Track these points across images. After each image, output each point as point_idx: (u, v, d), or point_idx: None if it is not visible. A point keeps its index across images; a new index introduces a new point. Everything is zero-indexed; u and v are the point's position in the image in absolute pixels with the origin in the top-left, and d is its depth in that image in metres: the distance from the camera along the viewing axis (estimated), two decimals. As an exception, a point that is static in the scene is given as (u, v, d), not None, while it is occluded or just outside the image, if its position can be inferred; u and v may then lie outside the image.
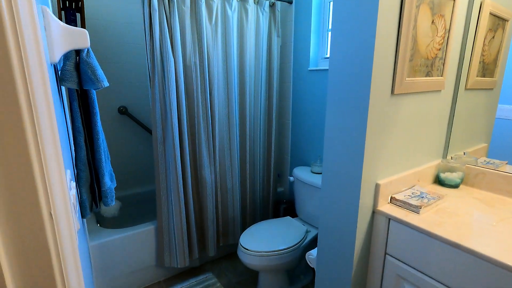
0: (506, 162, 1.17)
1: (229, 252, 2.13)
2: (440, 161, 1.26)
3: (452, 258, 0.85)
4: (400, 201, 1.03)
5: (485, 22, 1.17)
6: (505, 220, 0.95)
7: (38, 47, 0.32)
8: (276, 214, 2.30)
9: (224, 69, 1.80)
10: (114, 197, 1.16)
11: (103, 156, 1.08)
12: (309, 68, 1.99)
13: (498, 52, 1.21)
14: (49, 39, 0.63)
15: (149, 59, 1.56)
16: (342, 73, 0.98)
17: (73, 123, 0.98)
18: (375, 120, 0.95)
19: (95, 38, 1.95)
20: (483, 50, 1.20)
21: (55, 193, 0.31)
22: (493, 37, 1.19)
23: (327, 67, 1.87)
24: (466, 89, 1.24)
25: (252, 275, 1.91)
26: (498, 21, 1.18)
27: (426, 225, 0.91)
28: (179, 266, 1.78)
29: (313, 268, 1.89)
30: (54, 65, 0.78)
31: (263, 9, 1.88)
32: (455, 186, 1.21)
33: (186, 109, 1.69)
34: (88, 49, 0.81)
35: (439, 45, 1.07)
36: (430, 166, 1.22)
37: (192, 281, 1.85)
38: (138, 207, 2.27)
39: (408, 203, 1.01)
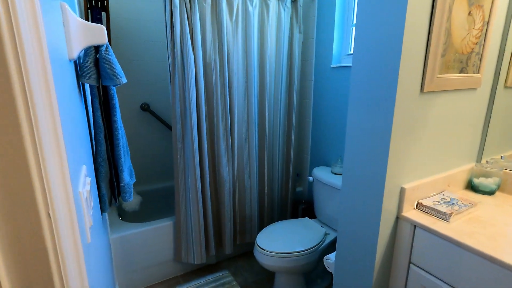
0: (552, 168, 1.05)
1: (245, 251, 2.12)
2: (473, 165, 1.17)
3: (486, 273, 0.77)
4: (428, 207, 0.96)
5: (530, 12, 1.05)
6: (549, 233, 0.86)
7: (40, 44, 0.31)
8: (294, 215, 2.25)
9: (244, 66, 1.78)
10: (132, 192, 1.17)
11: (122, 152, 1.10)
12: (331, 65, 1.92)
13: (545, 46, 1.09)
14: (67, 35, 0.64)
15: (170, 56, 1.57)
16: (366, 69, 0.92)
17: (94, 119, 1.00)
18: (402, 119, 0.88)
19: (119, 36, 1.99)
20: (527, 44, 1.09)
21: (54, 193, 0.30)
22: (540, 29, 1.08)
23: (350, 64, 1.79)
24: (505, 87, 1.13)
25: (268, 275, 1.89)
26: (546, 11, 1.06)
27: (457, 235, 0.84)
28: (195, 262, 1.79)
29: (330, 273, 1.83)
30: (74, 62, 0.79)
31: (285, 4, 1.83)
32: (490, 193, 1.11)
33: (205, 106, 1.69)
34: (106, 45, 0.82)
35: (476, 38, 0.97)
36: (462, 170, 1.13)
37: (209, 277, 1.86)
38: (159, 202, 2.32)
39: (437, 209, 0.94)
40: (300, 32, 1.96)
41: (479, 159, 1.21)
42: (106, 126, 1.04)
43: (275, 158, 2.06)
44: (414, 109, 0.91)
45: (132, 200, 1.88)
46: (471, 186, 1.16)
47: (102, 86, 1.01)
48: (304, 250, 1.55)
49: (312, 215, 2.07)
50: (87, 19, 1.62)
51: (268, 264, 1.55)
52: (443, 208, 0.94)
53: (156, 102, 2.21)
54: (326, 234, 1.72)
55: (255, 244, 1.61)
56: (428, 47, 0.86)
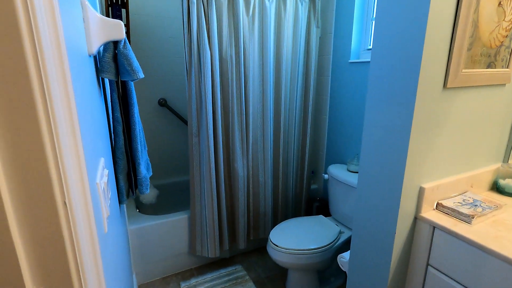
0: None
1: (259, 246, 2.13)
2: (499, 166, 1.11)
3: (510, 279, 0.73)
4: (449, 208, 0.92)
5: None
6: None
7: (57, 39, 0.32)
8: (309, 212, 2.23)
9: (260, 62, 1.77)
10: (149, 185, 1.20)
11: (139, 146, 1.12)
12: (349, 61, 1.87)
13: None
14: (87, 31, 0.66)
15: (186, 52, 1.58)
16: (385, 64, 0.89)
17: (113, 113, 1.03)
18: (422, 116, 0.85)
19: (138, 33, 2.03)
20: None
21: (70, 183, 0.31)
22: None
23: (369, 59, 1.74)
24: (538, 83, 1.06)
25: (281, 272, 1.89)
26: None
27: (480, 238, 0.80)
28: (209, 256, 1.82)
29: (345, 272, 1.81)
30: (94, 57, 0.81)
31: (303, -2, 1.80)
32: (518, 195, 1.05)
33: (220, 102, 1.70)
34: (124, 41, 0.84)
35: (506, 31, 0.92)
36: (487, 170, 1.08)
37: (222, 271, 1.88)
38: (175, 196, 2.36)
39: (458, 211, 0.90)
40: (317, 27, 1.93)
41: (506, 159, 1.14)
42: (124, 120, 1.07)
43: (290, 155, 2.05)
44: (436, 105, 0.87)
45: (149, 193, 1.93)
46: (496, 188, 1.11)
47: (121, 81, 1.03)
48: (318, 248, 1.54)
49: (327, 213, 2.05)
50: (107, 16, 1.66)
51: (281, 260, 1.55)
52: (465, 210, 0.90)
53: (173, 98, 2.25)
54: (340, 232, 1.69)
55: (269, 240, 1.61)
56: (453, 40, 0.82)
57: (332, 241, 1.59)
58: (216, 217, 1.77)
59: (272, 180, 2.00)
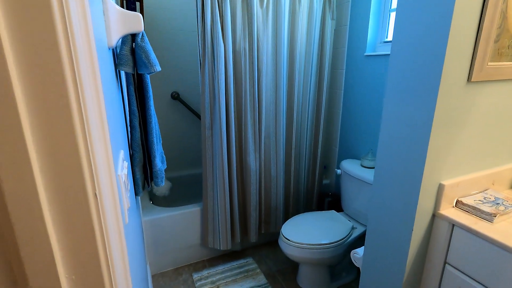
0: None
1: (270, 240, 2.14)
2: (523, 163, 1.07)
3: (534, 279, 0.71)
4: (469, 206, 0.90)
5: None
6: None
7: (87, 31, 0.31)
8: (320, 207, 2.22)
9: (274, 55, 1.75)
10: (164, 178, 1.21)
11: (155, 139, 1.13)
12: (365, 54, 1.83)
13: None
14: (107, 23, 0.66)
15: (200, 45, 1.58)
16: (407, 56, 0.86)
17: (129, 106, 1.04)
18: (444, 111, 0.82)
19: (151, 25, 2.04)
20: None
21: (101, 175, 0.31)
22: None
23: (386, 52, 1.70)
24: None
25: (292, 266, 1.90)
26: None
27: (502, 237, 0.78)
28: (221, 248, 1.84)
29: (357, 267, 1.80)
30: (112, 50, 0.81)
31: (318, -11, 1.76)
32: (542, 193, 1.01)
33: (234, 95, 1.69)
34: (142, 34, 0.84)
35: (536, 22, 0.87)
36: (510, 168, 1.04)
37: (233, 264, 1.90)
38: (187, 188, 2.39)
39: (479, 209, 0.87)
40: (332, 19, 1.89)
41: (530, 156, 1.10)
42: (140, 113, 1.08)
43: (302, 149, 2.03)
44: (459, 100, 0.84)
45: (162, 186, 1.95)
46: (519, 186, 1.07)
47: (137, 74, 1.04)
48: (330, 243, 1.53)
49: (339, 209, 2.04)
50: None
51: (292, 254, 1.55)
52: (486, 208, 0.87)
53: (186, 91, 2.25)
54: (353, 228, 1.68)
55: (280, 234, 1.61)
56: (479, 31, 0.79)
57: (344, 236, 1.58)
58: (228, 210, 1.79)
59: (284, 174, 2.00)
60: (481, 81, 0.86)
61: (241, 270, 1.85)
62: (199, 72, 1.63)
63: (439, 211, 0.92)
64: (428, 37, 0.79)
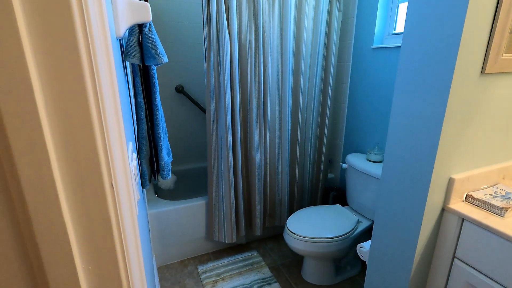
0: None
1: (274, 234, 2.15)
2: (534, 157, 1.05)
3: (546, 274, 0.71)
4: (479, 200, 0.89)
5: None
6: None
7: (103, 21, 0.31)
8: (325, 201, 2.22)
9: (279, 48, 1.73)
10: (170, 171, 1.21)
11: (161, 131, 1.13)
12: (372, 46, 1.80)
13: None
14: (115, 13, 0.65)
15: (205, 38, 1.56)
16: (418, 48, 0.84)
17: (135, 98, 1.03)
18: (457, 104, 0.81)
19: (156, 18, 2.02)
20: None
21: (116, 165, 0.30)
22: None
23: (394, 45, 1.67)
24: None
25: (297, 259, 1.90)
26: None
27: (513, 232, 0.77)
28: (226, 241, 1.85)
29: (361, 261, 1.80)
30: (119, 40, 0.80)
31: (325, -20, 1.73)
32: (553, 188, 1.00)
33: (239, 88, 1.68)
34: (150, 24, 0.82)
35: (553, 12, 0.85)
36: (521, 162, 1.03)
37: (238, 256, 1.91)
38: (192, 182, 2.39)
39: (490, 203, 0.86)
40: (339, 11, 1.85)
41: (541, 150, 1.08)
42: (147, 106, 1.07)
43: (307, 143, 2.02)
44: (472, 92, 0.83)
45: (169, 178, 1.96)
46: (529, 180, 1.06)
47: (143, 65, 1.03)
48: (336, 237, 1.53)
49: (344, 203, 2.03)
50: (127, 1, 1.65)
51: (297, 248, 1.55)
52: (497, 202, 0.86)
53: (190, 84, 2.24)
54: (358, 222, 1.68)
55: (285, 227, 1.62)
56: (494, 22, 0.77)
57: (350, 230, 1.58)
58: (233, 203, 1.79)
59: (289, 168, 1.99)
60: (495, 73, 0.84)
61: (246, 263, 1.86)
62: (204, 65, 1.62)
63: (448, 205, 0.91)
64: (442, 28, 0.78)
